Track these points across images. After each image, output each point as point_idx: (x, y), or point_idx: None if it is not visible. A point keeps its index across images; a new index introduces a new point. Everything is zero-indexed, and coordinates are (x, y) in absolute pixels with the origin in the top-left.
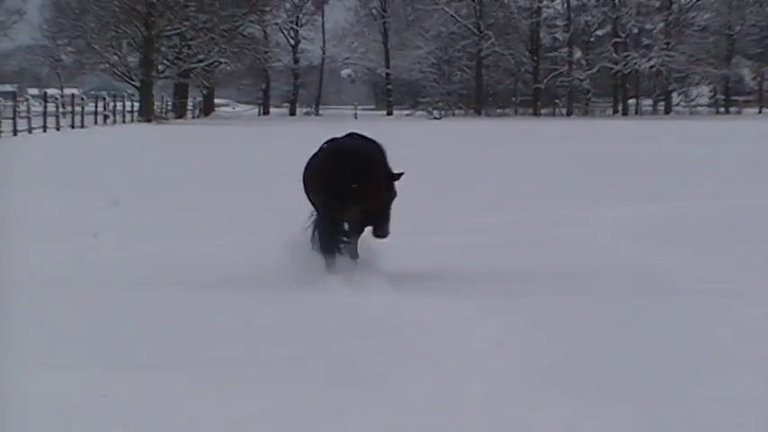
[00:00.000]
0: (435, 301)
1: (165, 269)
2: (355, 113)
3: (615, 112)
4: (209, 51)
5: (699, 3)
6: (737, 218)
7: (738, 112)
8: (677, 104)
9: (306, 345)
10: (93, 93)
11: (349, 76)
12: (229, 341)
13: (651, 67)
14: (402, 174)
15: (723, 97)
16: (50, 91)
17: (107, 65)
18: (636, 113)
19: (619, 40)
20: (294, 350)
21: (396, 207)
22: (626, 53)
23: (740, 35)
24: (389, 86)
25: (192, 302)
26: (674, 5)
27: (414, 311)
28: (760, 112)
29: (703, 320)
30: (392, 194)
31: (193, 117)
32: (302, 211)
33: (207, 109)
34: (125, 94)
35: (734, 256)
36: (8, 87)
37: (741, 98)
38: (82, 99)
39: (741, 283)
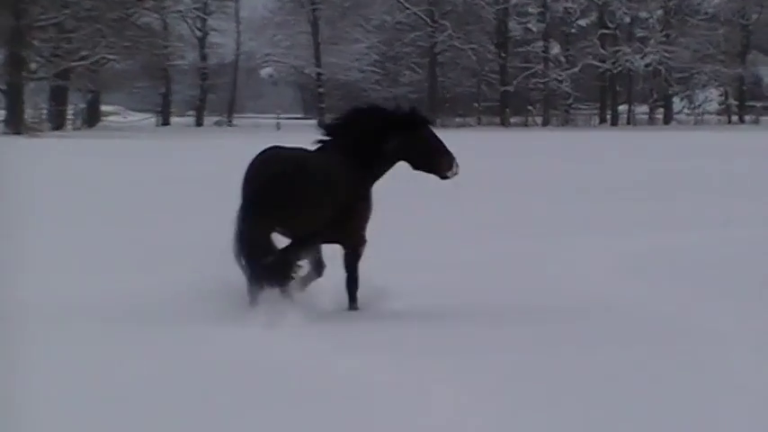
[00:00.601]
0: (383, 359)
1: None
2: (278, 123)
3: (602, 120)
4: (95, 46)
5: None
6: (751, 251)
7: (756, 121)
8: (679, 112)
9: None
10: None
11: (270, 76)
12: None
13: (647, 65)
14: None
15: (736, 102)
16: None
17: None
18: (628, 123)
19: (607, 31)
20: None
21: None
22: (616, 48)
23: (757, 25)
24: (321, 90)
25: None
26: None
27: (353, 373)
28: None
29: (713, 381)
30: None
31: (74, 128)
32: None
33: (91, 118)
34: None
35: (745, 298)
36: None
37: (759, 104)
38: None
39: (755, 335)
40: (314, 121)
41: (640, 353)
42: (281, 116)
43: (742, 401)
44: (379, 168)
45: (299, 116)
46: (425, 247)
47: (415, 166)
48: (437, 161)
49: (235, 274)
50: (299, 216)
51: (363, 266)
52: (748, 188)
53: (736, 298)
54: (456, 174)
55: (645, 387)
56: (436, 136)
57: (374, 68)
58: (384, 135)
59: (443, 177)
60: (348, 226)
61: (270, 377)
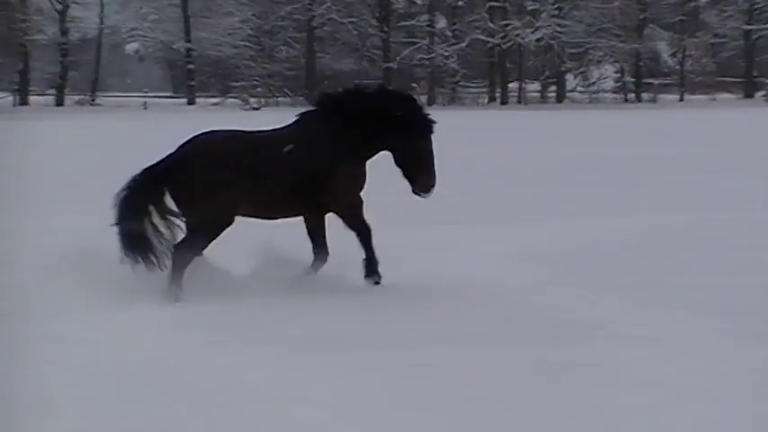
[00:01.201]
0: (258, 355)
1: None
2: (145, 102)
3: (492, 99)
4: None
5: None
6: (654, 240)
7: (653, 100)
8: (573, 89)
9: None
10: None
11: (137, 52)
12: None
13: (538, 40)
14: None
15: (633, 80)
16: None
17: None
18: (519, 101)
19: (496, 4)
20: None
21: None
22: (505, 22)
23: None
24: (191, 66)
25: None
26: None
27: (229, 370)
28: (681, 99)
29: (619, 378)
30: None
31: None
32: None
33: None
34: None
35: (644, 288)
36: None
37: (657, 81)
38: None
39: (657, 329)
40: (184, 100)
41: (538, 349)
42: (149, 95)
43: (640, 397)
44: (366, 151)
45: (167, 95)
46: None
47: (398, 165)
48: (420, 176)
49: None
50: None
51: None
52: (647, 171)
53: (635, 288)
54: (427, 195)
55: (542, 385)
56: (432, 150)
57: (248, 43)
58: (383, 125)
59: (415, 192)
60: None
61: (136, 375)
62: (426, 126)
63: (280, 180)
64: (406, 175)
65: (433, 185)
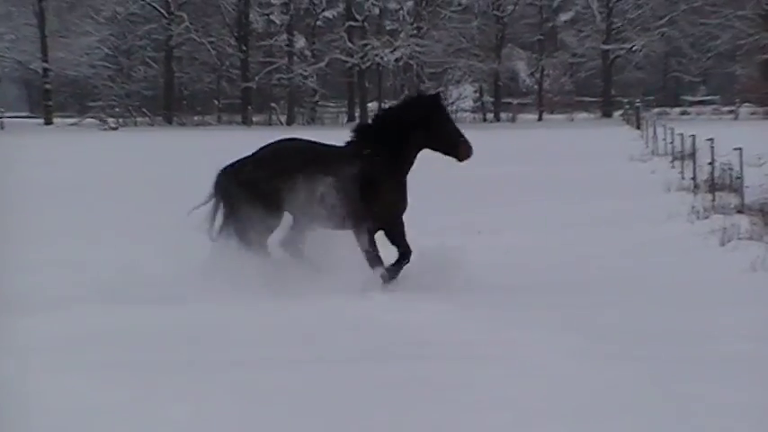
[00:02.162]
0: (113, 376)
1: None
2: (1, 122)
3: (351, 118)
4: None
5: None
6: (521, 260)
7: (513, 119)
8: None
9: None
10: None
11: None
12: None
13: (397, 59)
14: None
15: (492, 99)
16: None
17: None
18: None
19: (355, 23)
20: None
21: None
22: (364, 41)
23: (513, 18)
24: (48, 86)
25: None
26: None
27: (81, 392)
28: (540, 119)
29: (473, 399)
30: None
31: None
32: None
33: None
34: None
35: (497, 307)
36: None
37: (515, 101)
38: None
39: (502, 348)
40: (41, 120)
41: (396, 367)
42: (5, 115)
43: (491, 418)
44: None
45: (24, 114)
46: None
47: (437, 150)
48: (460, 148)
49: None
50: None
51: None
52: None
53: (489, 307)
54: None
55: (397, 403)
56: (454, 125)
57: (106, 63)
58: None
59: (460, 160)
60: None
61: None
62: (441, 110)
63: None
64: (448, 153)
65: (472, 148)
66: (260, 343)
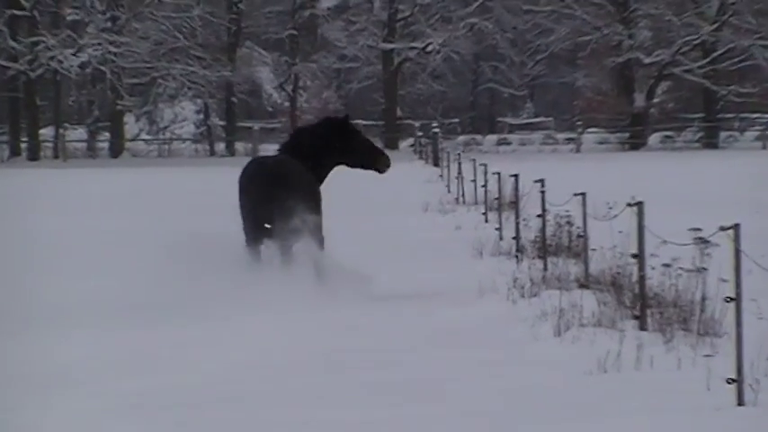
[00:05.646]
0: None
1: None
2: None
3: (16, 153)
4: None
5: None
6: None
7: (254, 151)
8: (136, 137)
9: None
10: None
11: None
12: None
13: (83, 65)
14: None
15: (223, 123)
16: None
17: None
18: (56, 155)
19: (19, 13)
20: None
21: None
22: (35, 38)
23: (252, 5)
24: None
25: None
26: None
27: None
28: None
29: None
30: None
31: None
32: None
33: None
34: None
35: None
36: None
37: (257, 124)
38: None
39: None
40: None
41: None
42: None
43: None
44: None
45: None
46: None
47: (356, 166)
48: (377, 160)
49: None
50: None
51: None
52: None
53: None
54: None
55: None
56: (366, 138)
57: None
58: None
59: (381, 172)
60: None
61: None
62: (348, 128)
63: None
64: (367, 166)
65: (389, 158)
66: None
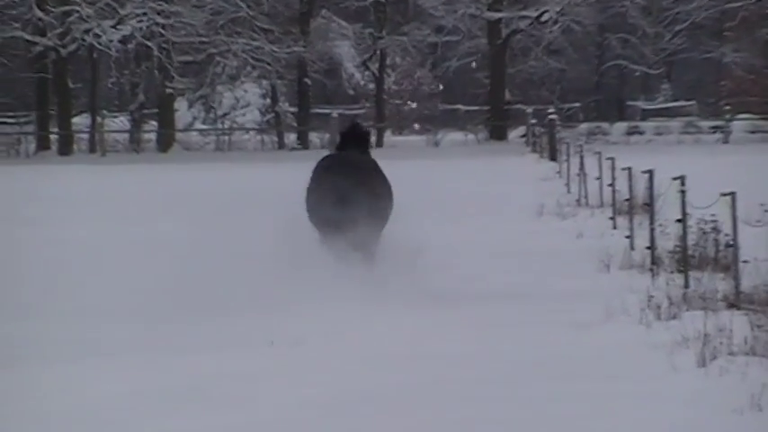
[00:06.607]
0: None
1: None
2: None
3: (44, 147)
4: None
5: None
6: None
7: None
8: (190, 126)
9: None
10: None
11: None
12: None
13: (125, 39)
14: None
15: (294, 109)
16: None
17: None
18: (92, 149)
19: None
20: None
21: None
22: (66, 7)
23: None
24: None
25: None
26: None
27: None
28: (380, 144)
29: None
30: None
31: None
32: None
33: None
34: None
35: None
36: None
37: (336, 110)
38: None
39: None
40: None
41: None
42: None
43: None
44: None
45: None
46: None
47: None
48: None
49: None
50: None
51: None
52: None
53: None
54: None
55: None
56: None
57: None
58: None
59: None
60: None
61: None
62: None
63: None
64: None
65: None
66: None
